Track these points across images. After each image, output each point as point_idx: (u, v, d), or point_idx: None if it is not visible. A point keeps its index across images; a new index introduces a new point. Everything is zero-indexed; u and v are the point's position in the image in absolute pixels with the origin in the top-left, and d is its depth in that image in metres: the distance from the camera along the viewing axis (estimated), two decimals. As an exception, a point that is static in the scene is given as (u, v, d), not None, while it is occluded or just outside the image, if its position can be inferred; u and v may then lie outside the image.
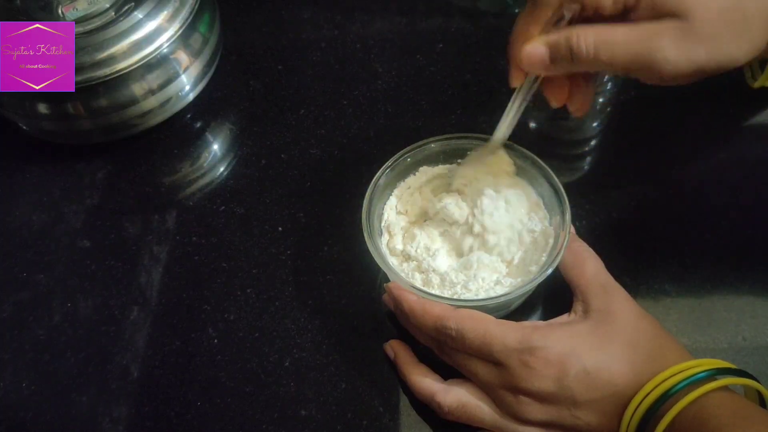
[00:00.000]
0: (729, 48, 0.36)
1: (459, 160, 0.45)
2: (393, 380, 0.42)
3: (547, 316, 0.43)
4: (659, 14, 0.36)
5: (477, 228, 0.42)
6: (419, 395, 0.40)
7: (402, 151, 0.44)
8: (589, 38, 0.36)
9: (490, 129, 0.44)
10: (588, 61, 0.37)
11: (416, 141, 0.44)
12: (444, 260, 0.43)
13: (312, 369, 0.43)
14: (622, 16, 0.37)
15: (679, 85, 0.38)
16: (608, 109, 0.54)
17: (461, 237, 0.43)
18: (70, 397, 0.43)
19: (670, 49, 0.35)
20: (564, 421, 0.35)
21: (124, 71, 0.49)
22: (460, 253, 0.43)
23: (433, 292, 0.40)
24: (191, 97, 0.54)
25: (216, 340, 0.44)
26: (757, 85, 0.49)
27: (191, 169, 0.54)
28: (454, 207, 0.43)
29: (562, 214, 0.41)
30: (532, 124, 0.54)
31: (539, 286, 0.40)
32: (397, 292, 0.39)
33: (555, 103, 0.42)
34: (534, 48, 0.38)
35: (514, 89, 0.41)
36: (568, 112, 0.42)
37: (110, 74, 0.48)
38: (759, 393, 0.34)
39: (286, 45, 0.62)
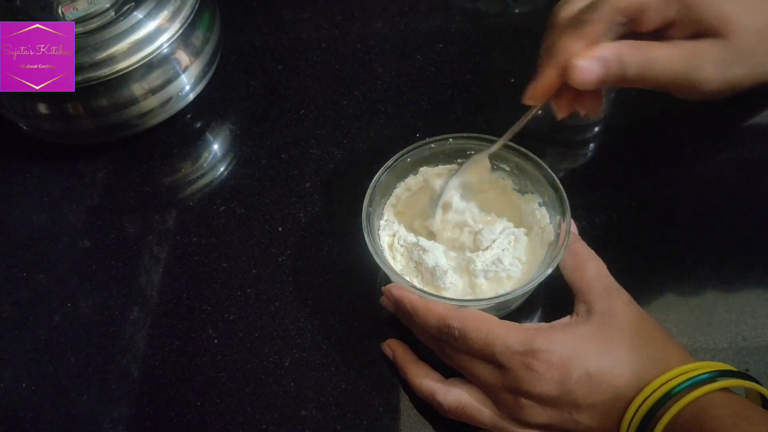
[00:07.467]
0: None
1: (459, 160, 0.45)
2: (393, 380, 0.42)
3: (547, 315, 0.43)
4: (699, 32, 0.36)
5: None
6: (419, 394, 0.40)
7: (402, 151, 0.44)
8: (635, 56, 0.36)
9: (490, 129, 0.44)
10: (633, 80, 0.36)
11: (416, 141, 0.44)
12: (443, 260, 0.43)
13: (312, 369, 0.43)
14: (659, 32, 0.37)
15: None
16: (605, 114, 0.54)
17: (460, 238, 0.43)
18: (70, 397, 0.43)
19: (711, 68, 0.36)
20: (565, 425, 0.35)
21: (124, 71, 0.49)
22: (459, 253, 0.43)
23: (433, 292, 0.40)
24: (191, 97, 0.54)
25: (216, 340, 0.44)
26: None
27: (191, 169, 0.54)
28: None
29: (563, 214, 0.41)
30: (532, 125, 0.54)
31: (539, 285, 0.40)
32: (398, 292, 0.39)
33: (562, 114, 0.41)
34: (590, 64, 0.36)
35: (525, 104, 0.40)
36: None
37: (110, 74, 0.48)
38: (761, 396, 0.34)
39: (286, 45, 0.62)
